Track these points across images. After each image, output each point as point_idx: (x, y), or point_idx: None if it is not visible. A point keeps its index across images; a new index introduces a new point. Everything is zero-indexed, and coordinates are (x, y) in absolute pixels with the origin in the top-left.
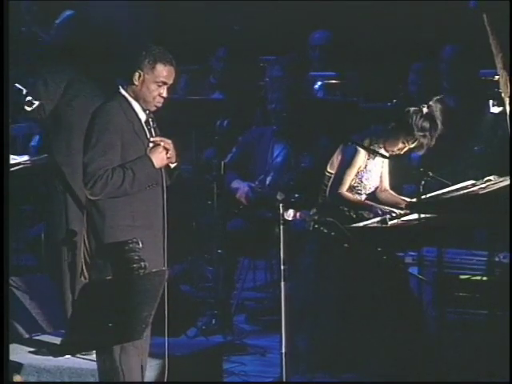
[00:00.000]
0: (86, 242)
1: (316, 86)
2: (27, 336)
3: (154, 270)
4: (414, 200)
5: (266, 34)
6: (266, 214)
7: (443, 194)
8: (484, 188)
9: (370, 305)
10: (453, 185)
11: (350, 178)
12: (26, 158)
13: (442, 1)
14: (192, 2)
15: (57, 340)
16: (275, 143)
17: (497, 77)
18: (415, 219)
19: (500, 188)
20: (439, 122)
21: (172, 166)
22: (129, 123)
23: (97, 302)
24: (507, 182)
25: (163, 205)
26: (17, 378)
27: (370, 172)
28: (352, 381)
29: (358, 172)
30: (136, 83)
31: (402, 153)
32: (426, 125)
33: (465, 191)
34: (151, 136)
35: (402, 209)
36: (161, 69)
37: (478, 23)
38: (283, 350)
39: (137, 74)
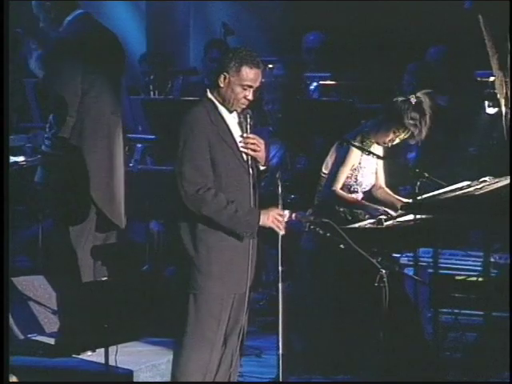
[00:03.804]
0: None
1: (312, 87)
2: (23, 337)
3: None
4: (410, 201)
5: (262, 35)
6: None
7: (439, 194)
8: (480, 189)
9: (366, 306)
10: (448, 186)
11: (344, 176)
12: (21, 158)
13: (437, 1)
14: (190, 2)
15: (52, 341)
16: (271, 144)
17: (492, 78)
18: (411, 220)
19: (496, 189)
20: (428, 116)
21: (261, 168)
22: (213, 126)
23: (92, 303)
24: (503, 183)
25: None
26: (12, 378)
27: (365, 169)
28: (349, 381)
29: (353, 170)
30: (221, 85)
31: (394, 143)
32: (416, 114)
33: (460, 192)
34: (245, 133)
35: (397, 209)
36: (246, 72)
37: (473, 24)
38: (280, 351)
39: (222, 77)
